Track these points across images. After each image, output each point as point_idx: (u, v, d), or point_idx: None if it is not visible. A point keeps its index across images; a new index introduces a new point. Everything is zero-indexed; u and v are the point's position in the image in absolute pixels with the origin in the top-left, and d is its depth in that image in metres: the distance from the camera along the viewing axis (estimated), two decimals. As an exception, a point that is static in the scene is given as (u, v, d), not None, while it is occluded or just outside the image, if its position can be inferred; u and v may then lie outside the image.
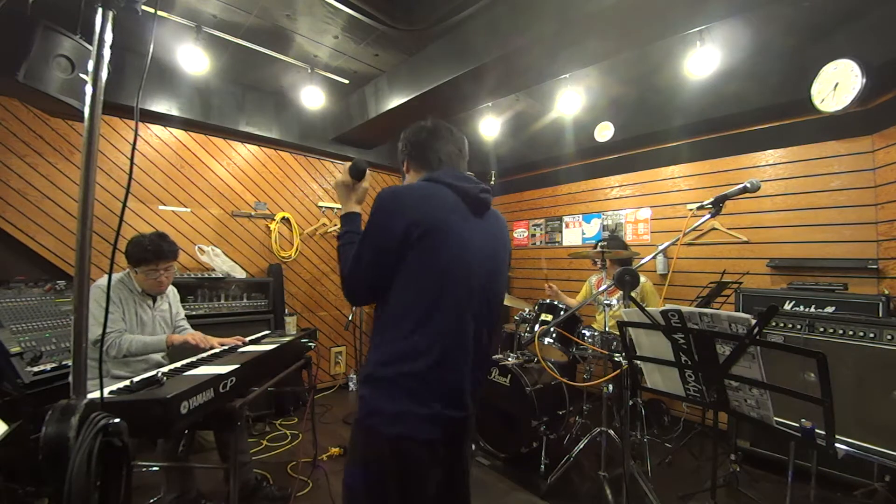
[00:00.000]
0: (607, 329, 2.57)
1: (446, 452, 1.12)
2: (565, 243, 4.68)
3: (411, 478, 1.07)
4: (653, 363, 1.53)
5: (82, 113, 0.93)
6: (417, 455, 1.06)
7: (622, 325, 1.55)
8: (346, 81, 3.63)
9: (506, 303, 3.41)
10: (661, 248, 1.88)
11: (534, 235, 5.05)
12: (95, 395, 0.86)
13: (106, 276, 2.05)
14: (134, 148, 1.09)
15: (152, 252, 2.10)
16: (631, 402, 2.49)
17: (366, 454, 1.08)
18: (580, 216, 4.53)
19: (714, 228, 3.43)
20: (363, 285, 1.13)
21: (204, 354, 1.99)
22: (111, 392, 1.32)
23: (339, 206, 1.35)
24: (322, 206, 4.51)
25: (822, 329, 2.16)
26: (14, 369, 1.93)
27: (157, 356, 2.18)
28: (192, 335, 2.16)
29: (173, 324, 2.37)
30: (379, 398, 1.05)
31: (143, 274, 2.13)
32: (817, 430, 1.23)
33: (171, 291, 2.40)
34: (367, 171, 1.34)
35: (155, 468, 2.10)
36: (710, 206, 1.57)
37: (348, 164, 1.35)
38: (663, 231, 3.83)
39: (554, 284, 3.19)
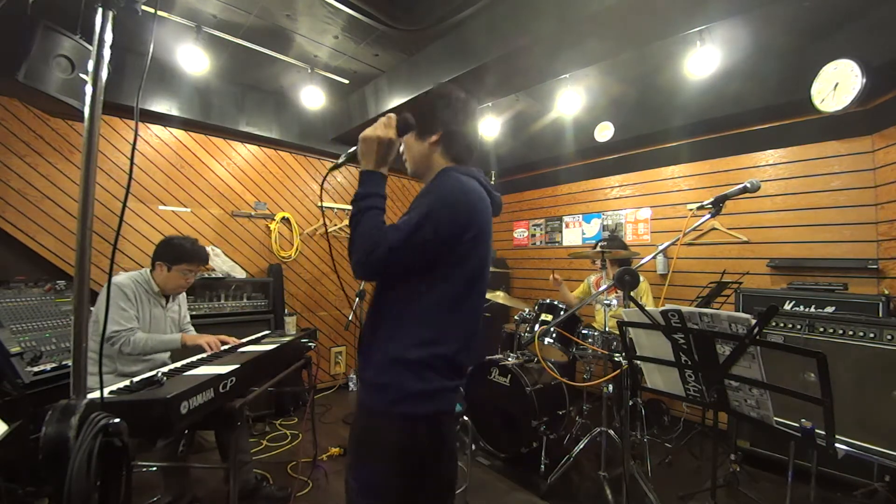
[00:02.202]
0: (607, 329, 2.57)
1: (455, 419, 1.25)
2: (565, 243, 4.67)
3: (444, 451, 1.13)
4: (653, 363, 1.53)
5: (82, 113, 0.93)
6: (449, 426, 1.15)
7: (622, 325, 1.55)
8: (346, 81, 3.63)
9: (506, 303, 3.42)
10: (661, 248, 1.88)
11: (534, 235, 5.05)
12: (95, 395, 0.86)
13: (122, 274, 2.16)
14: (134, 148, 1.10)
15: (196, 255, 2.23)
16: (631, 402, 2.49)
17: (401, 441, 1.05)
18: (580, 216, 4.53)
19: (714, 228, 3.43)
20: (403, 262, 1.06)
21: (204, 354, 1.99)
22: (111, 392, 1.32)
23: (368, 159, 1.13)
24: (322, 207, 4.52)
25: (822, 329, 2.16)
26: (14, 369, 1.92)
27: (163, 356, 2.20)
28: (207, 341, 2.15)
29: (180, 325, 2.42)
30: (409, 381, 1.06)
31: (177, 272, 2.19)
32: (817, 430, 1.23)
33: (181, 294, 2.44)
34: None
35: (154, 468, 2.10)
36: (710, 206, 1.57)
37: (391, 115, 1.15)
38: (663, 231, 3.83)
39: (559, 276, 3.26)
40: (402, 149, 1.25)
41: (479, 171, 1.23)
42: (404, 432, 1.05)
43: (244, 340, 2.33)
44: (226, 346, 2.21)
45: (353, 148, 1.18)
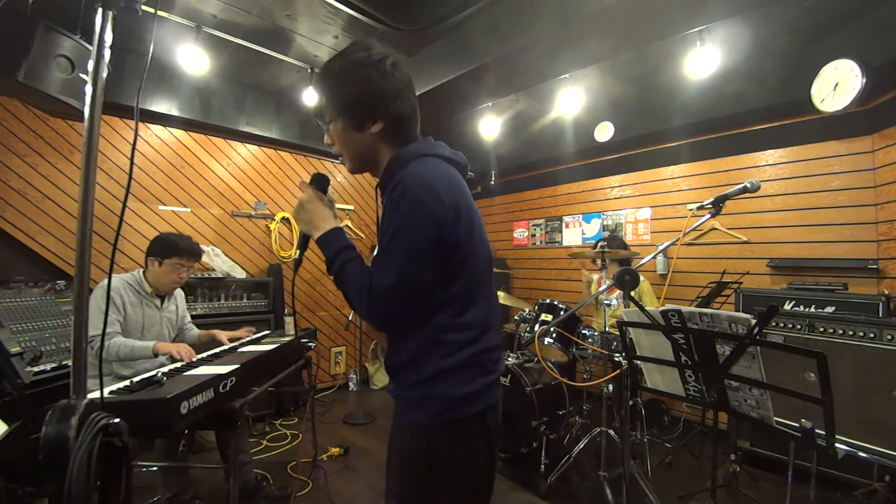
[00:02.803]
0: (607, 329, 2.57)
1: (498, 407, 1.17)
2: (565, 243, 4.67)
3: (493, 445, 1.10)
4: (653, 363, 1.53)
5: (82, 113, 0.93)
6: (496, 420, 1.09)
7: (622, 325, 1.55)
8: (346, 81, 3.63)
9: (506, 303, 3.41)
10: (661, 248, 1.88)
11: (534, 235, 5.04)
12: (95, 395, 0.86)
13: (113, 277, 2.09)
14: (134, 148, 1.09)
15: (186, 249, 2.19)
16: (631, 402, 2.49)
17: (454, 450, 1.00)
18: (580, 216, 4.53)
19: (714, 228, 3.42)
20: (417, 296, 0.96)
21: (204, 355, 1.99)
22: (111, 392, 1.32)
23: (312, 227, 1.08)
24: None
25: (822, 329, 2.16)
26: (14, 369, 1.92)
27: (162, 357, 2.18)
28: (177, 349, 1.98)
29: (179, 324, 2.40)
30: (454, 387, 1.00)
31: (168, 266, 2.16)
32: (817, 430, 1.23)
33: (179, 294, 2.44)
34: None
35: (154, 468, 2.10)
36: (710, 206, 1.57)
37: (306, 181, 1.13)
38: (663, 231, 3.83)
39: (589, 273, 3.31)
40: (326, 140, 1.11)
41: (429, 142, 1.10)
42: (456, 439, 1.01)
43: (244, 340, 2.33)
44: (225, 347, 2.21)
45: (302, 233, 1.13)
